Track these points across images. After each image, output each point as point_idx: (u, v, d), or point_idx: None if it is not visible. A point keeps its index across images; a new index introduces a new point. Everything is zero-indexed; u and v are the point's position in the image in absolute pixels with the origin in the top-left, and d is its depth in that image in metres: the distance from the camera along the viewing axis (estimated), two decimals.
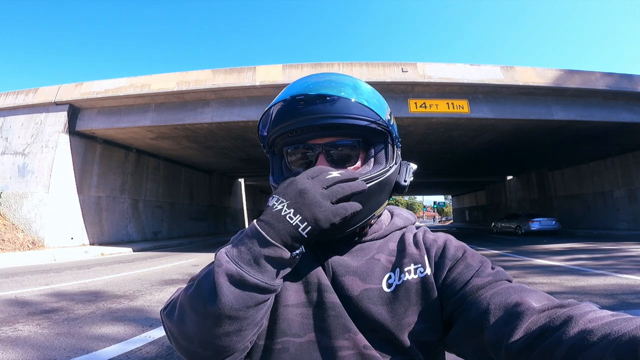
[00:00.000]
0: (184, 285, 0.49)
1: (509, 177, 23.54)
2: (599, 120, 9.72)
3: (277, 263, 0.41)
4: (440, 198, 54.48)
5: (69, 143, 10.20)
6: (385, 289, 0.50)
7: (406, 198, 68.40)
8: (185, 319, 0.41)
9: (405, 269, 0.52)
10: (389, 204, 0.60)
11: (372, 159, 0.53)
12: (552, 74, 9.39)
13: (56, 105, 10.19)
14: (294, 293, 0.50)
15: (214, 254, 0.47)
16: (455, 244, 0.54)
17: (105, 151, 11.65)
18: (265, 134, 0.57)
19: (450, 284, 0.49)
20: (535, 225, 14.74)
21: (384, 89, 9.31)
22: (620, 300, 3.54)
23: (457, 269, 0.51)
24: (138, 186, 13.25)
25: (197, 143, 12.40)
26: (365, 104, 0.51)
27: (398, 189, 0.56)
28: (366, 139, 0.53)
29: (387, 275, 0.52)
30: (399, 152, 0.58)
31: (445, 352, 0.53)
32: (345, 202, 0.44)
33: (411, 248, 0.54)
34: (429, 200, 66.68)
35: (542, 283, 4.67)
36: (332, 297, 0.50)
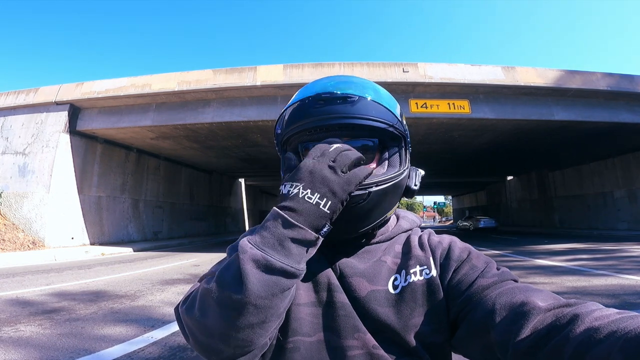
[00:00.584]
0: (198, 283, 0.49)
1: (510, 178, 23.55)
2: (599, 120, 9.73)
3: (303, 244, 0.41)
4: (440, 198, 54.49)
5: (69, 143, 10.20)
6: (392, 291, 0.51)
7: (406, 198, 68.36)
8: (207, 311, 0.39)
9: (411, 271, 0.52)
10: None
11: (386, 162, 0.54)
12: (553, 74, 9.39)
13: (57, 105, 10.18)
14: (304, 292, 0.51)
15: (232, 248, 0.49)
16: (460, 246, 0.55)
17: (106, 151, 11.64)
18: (279, 131, 0.57)
19: (456, 285, 0.50)
20: (481, 223, 20.60)
21: (385, 89, 9.29)
22: (622, 301, 3.54)
23: (463, 270, 0.51)
24: (138, 186, 13.25)
25: (198, 143, 12.39)
26: (386, 106, 0.53)
27: (408, 193, 0.57)
28: (382, 141, 0.54)
29: (393, 277, 0.52)
30: (409, 157, 0.59)
31: (452, 353, 0.53)
32: (355, 169, 0.44)
33: (417, 250, 0.55)
34: (429, 200, 66.75)
35: (544, 283, 4.67)
36: (342, 296, 0.50)
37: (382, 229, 0.57)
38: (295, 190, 0.42)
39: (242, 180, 23.61)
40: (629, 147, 13.08)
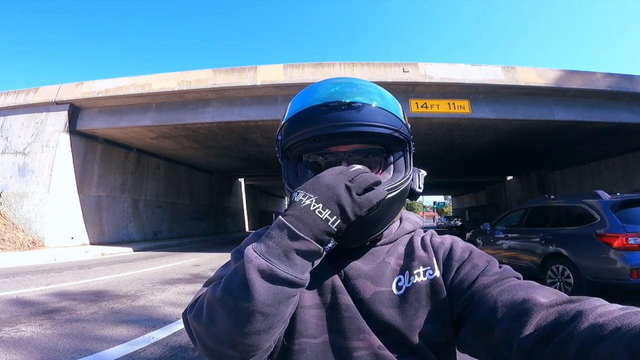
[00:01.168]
0: (204, 288, 0.49)
1: (509, 178, 23.54)
2: (599, 120, 9.72)
3: (307, 256, 0.41)
4: (440, 198, 54.47)
5: (69, 142, 10.19)
6: (396, 292, 0.51)
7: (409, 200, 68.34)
8: (215, 318, 0.40)
9: (415, 272, 0.52)
10: None
11: (392, 167, 0.54)
12: (554, 75, 9.39)
13: (57, 105, 10.17)
14: (309, 295, 0.51)
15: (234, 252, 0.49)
16: (462, 246, 0.55)
17: (106, 151, 11.64)
18: (280, 137, 0.57)
19: (458, 285, 0.50)
20: (453, 222, 26.39)
21: (385, 89, 9.27)
22: (620, 302, 3.55)
23: (464, 269, 0.51)
24: (138, 186, 13.24)
25: (198, 143, 12.39)
26: (392, 112, 0.53)
27: (412, 195, 0.58)
28: (387, 146, 0.54)
29: (397, 278, 0.52)
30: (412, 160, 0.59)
31: (457, 353, 0.53)
32: (369, 192, 0.44)
33: (419, 251, 0.55)
34: (428, 200, 66.68)
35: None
36: (346, 298, 0.50)
37: (386, 231, 0.57)
38: (308, 202, 0.42)
39: (242, 180, 23.60)
40: (629, 147, 13.08)
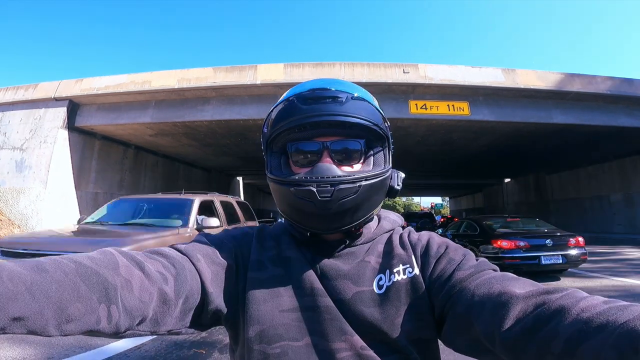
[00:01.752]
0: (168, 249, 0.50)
1: (507, 180, 23.62)
2: (598, 124, 9.76)
3: None
4: (437, 199, 54.61)
5: (67, 139, 10.14)
6: (377, 291, 0.51)
7: (404, 199, 68.53)
8: None
9: (395, 270, 0.53)
10: (383, 207, 0.62)
11: (372, 161, 0.55)
12: (554, 77, 9.42)
13: (56, 101, 10.13)
14: (288, 298, 0.51)
15: None
16: (437, 241, 0.56)
17: (104, 147, 11.59)
18: (266, 130, 0.57)
19: (436, 280, 0.50)
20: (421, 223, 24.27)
21: (385, 89, 9.31)
22: None
23: (441, 264, 0.52)
24: (136, 183, 13.19)
25: (197, 140, 12.36)
26: (374, 106, 0.55)
27: (391, 192, 0.58)
28: (368, 140, 0.55)
29: (377, 277, 0.53)
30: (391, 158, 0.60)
31: (440, 348, 0.54)
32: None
33: (398, 249, 0.56)
34: (426, 201, 66.82)
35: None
36: (326, 300, 0.50)
37: (364, 230, 0.58)
38: None
39: (240, 179, 23.56)
40: (626, 151, 13.14)
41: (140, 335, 0.43)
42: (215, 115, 9.75)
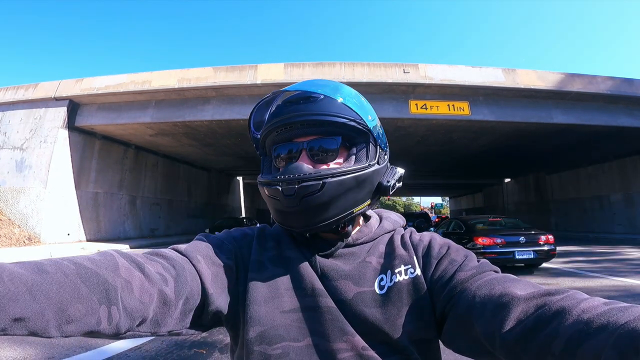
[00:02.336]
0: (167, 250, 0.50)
1: (507, 180, 23.62)
2: (598, 124, 9.76)
3: None
4: (437, 199, 54.61)
5: (67, 138, 10.14)
6: (378, 291, 0.51)
7: (404, 199, 68.55)
8: None
9: (396, 270, 0.53)
10: (382, 207, 0.60)
11: (354, 157, 0.54)
12: (554, 77, 9.41)
13: (56, 101, 10.13)
14: (289, 299, 0.51)
15: None
16: (439, 242, 0.56)
17: (104, 147, 11.59)
18: (258, 136, 0.60)
19: (438, 281, 0.50)
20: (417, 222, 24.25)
21: (385, 89, 9.31)
22: None
23: (442, 265, 0.52)
24: (136, 183, 13.20)
25: (197, 140, 12.36)
26: (347, 104, 0.53)
27: (381, 189, 0.56)
28: (348, 137, 0.54)
29: (379, 278, 0.53)
30: (386, 157, 0.59)
31: (441, 349, 0.54)
32: None
33: (400, 250, 0.56)
34: (426, 201, 66.82)
35: (540, 284, 4.71)
36: (327, 301, 0.50)
37: (365, 230, 0.57)
38: None
39: (240, 179, 23.57)
40: (627, 151, 13.14)
41: (141, 336, 0.43)
42: (216, 115, 9.74)
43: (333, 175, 0.49)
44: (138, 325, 0.41)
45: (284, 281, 0.52)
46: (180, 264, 0.47)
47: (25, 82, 12.09)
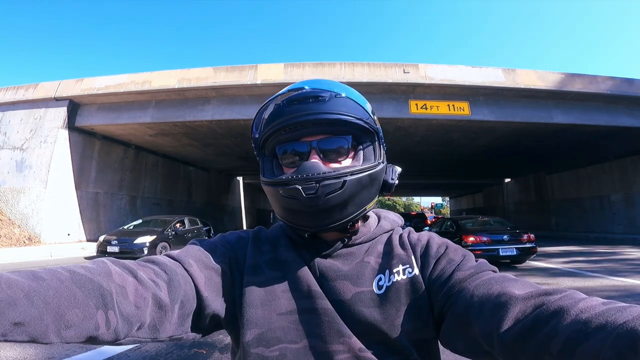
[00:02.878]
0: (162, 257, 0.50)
1: (507, 180, 23.61)
2: (598, 124, 9.76)
3: None
4: (438, 199, 54.61)
5: (67, 139, 10.14)
6: (376, 291, 0.51)
7: (404, 199, 68.52)
8: None
9: (395, 270, 0.53)
10: (382, 207, 0.61)
11: (362, 156, 0.55)
12: (554, 77, 9.41)
13: (56, 101, 10.13)
14: (285, 301, 0.51)
15: None
16: (437, 241, 0.56)
17: (104, 147, 11.59)
18: (257, 135, 0.58)
19: (436, 280, 0.50)
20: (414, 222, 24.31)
21: (385, 89, 9.31)
22: None
23: (440, 264, 0.52)
24: (136, 183, 13.19)
25: (197, 140, 12.36)
26: (356, 101, 0.54)
27: (386, 187, 0.58)
28: (356, 136, 0.55)
29: (377, 278, 0.53)
30: (385, 154, 0.60)
31: (440, 348, 0.54)
32: None
33: (398, 249, 0.55)
34: (426, 201, 66.82)
35: (540, 284, 4.71)
36: (324, 303, 0.50)
37: (364, 230, 0.57)
38: None
39: (240, 179, 23.56)
40: (627, 151, 13.14)
41: (141, 342, 0.43)
42: (216, 115, 9.74)
43: (352, 173, 0.50)
44: (137, 331, 0.42)
45: (281, 284, 0.52)
46: (172, 268, 0.47)
47: (26, 83, 12.13)
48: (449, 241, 0.56)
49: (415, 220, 16.20)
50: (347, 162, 0.54)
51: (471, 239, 6.75)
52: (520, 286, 0.43)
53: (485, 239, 6.71)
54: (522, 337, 0.37)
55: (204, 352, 2.50)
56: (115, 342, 0.40)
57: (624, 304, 0.34)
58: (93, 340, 0.37)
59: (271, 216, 18.10)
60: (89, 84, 9.97)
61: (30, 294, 0.32)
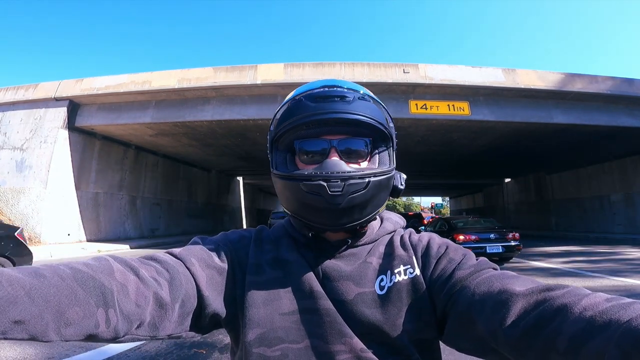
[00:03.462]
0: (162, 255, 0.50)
1: (507, 180, 23.61)
2: (599, 124, 9.76)
3: None
4: (438, 199, 54.63)
5: (67, 139, 10.15)
6: (378, 292, 0.52)
7: (404, 199, 68.54)
8: None
9: (396, 271, 0.53)
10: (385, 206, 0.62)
11: (377, 159, 0.56)
12: (554, 77, 9.41)
13: (56, 101, 10.13)
14: (287, 301, 0.51)
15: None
16: (438, 241, 0.56)
17: (104, 147, 11.59)
18: (272, 128, 0.57)
19: (437, 280, 0.51)
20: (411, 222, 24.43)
21: (385, 89, 9.31)
22: None
23: (441, 264, 0.52)
24: (136, 183, 13.20)
25: (197, 140, 12.36)
26: (379, 106, 0.55)
27: (395, 192, 0.59)
28: (374, 140, 0.55)
29: (379, 278, 0.53)
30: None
31: (441, 348, 0.54)
32: None
33: (399, 250, 0.56)
34: (426, 201, 66.84)
35: None
36: (326, 303, 0.50)
37: (368, 231, 0.58)
38: None
39: (240, 179, 23.56)
40: (627, 151, 13.13)
41: (140, 339, 0.44)
42: (216, 115, 9.74)
43: (375, 175, 0.51)
44: (136, 329, 0.42)
45: (283, 283, 0.53)
46: (174, 267, 0.47)
47: (26, 83, 12.13)
48: (449, 241, 0.57)
49: (412, 220, 16.53)
50: (364, 164, 0.54)
51: (461, 237, 7.15)
52: (521, 282, 0.43)
53: (473, 237, 7.15)
54: (527, 333, 0.37)
55: (204, 352, 2.51)
56: (114, 340, 0.40)
57: (627, 300, 0.34)
58: (92, 338, 0.37)
59: (270, 216, 18.04)
60: (89, 84, 9.98)
61: (31, 291, 0.32)
